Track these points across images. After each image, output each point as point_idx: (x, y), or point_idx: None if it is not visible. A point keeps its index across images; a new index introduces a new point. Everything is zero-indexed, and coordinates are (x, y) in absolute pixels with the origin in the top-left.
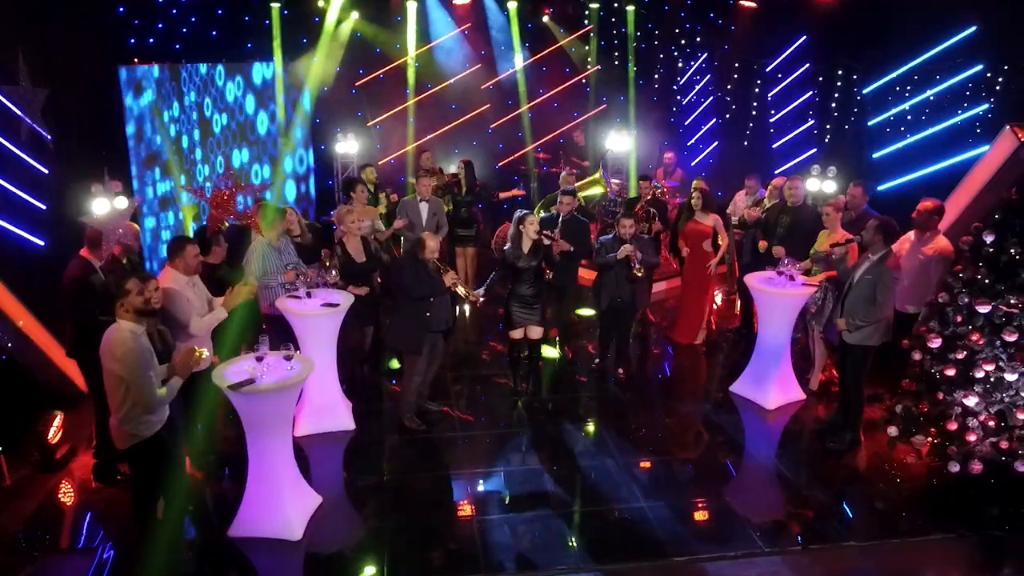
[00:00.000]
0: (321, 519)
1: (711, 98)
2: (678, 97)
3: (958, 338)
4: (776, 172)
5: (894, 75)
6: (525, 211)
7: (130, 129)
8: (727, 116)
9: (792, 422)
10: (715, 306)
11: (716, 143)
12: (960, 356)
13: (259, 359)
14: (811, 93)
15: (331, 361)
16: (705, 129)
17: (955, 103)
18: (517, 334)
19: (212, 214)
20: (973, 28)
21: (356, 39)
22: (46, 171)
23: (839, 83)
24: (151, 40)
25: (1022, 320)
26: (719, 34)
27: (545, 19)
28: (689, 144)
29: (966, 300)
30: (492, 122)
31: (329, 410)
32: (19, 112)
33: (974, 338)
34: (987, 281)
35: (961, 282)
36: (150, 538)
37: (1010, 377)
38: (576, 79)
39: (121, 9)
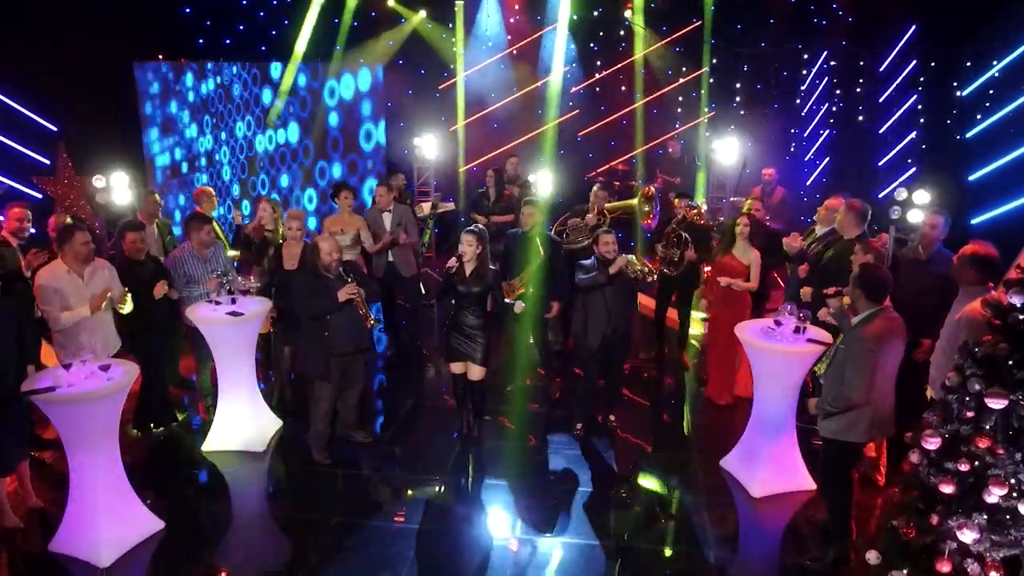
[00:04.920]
0: (151, 547)
1: (827, 105)
2: (797, 103)
3: (964, 441)
4: (880, 195)
5: (996, 69)
6: (477, 226)
7: (151, 132)
8: (838, 126)
9: (776, 520)
10: None
11: (828, 159)
12: (964, 468)
13: (66, 367)
14: (915, 97)
15: (246, 374)
16: (820, 142)
17: None
18: (457, 368)
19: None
20: None
21: (441, 40)
22: (48, 163)
23: (939, 82)
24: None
25: None
26: (838, 27)
27: (627, 14)
28: (806, 159)
29: (976, 388)
30: (582, 129)
31: (238, 427)
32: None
33: (982, 445)
34: (1010, 363)
35: (975, 361)
36: None
37: None
38: (680, 82)
39: (187, 10)
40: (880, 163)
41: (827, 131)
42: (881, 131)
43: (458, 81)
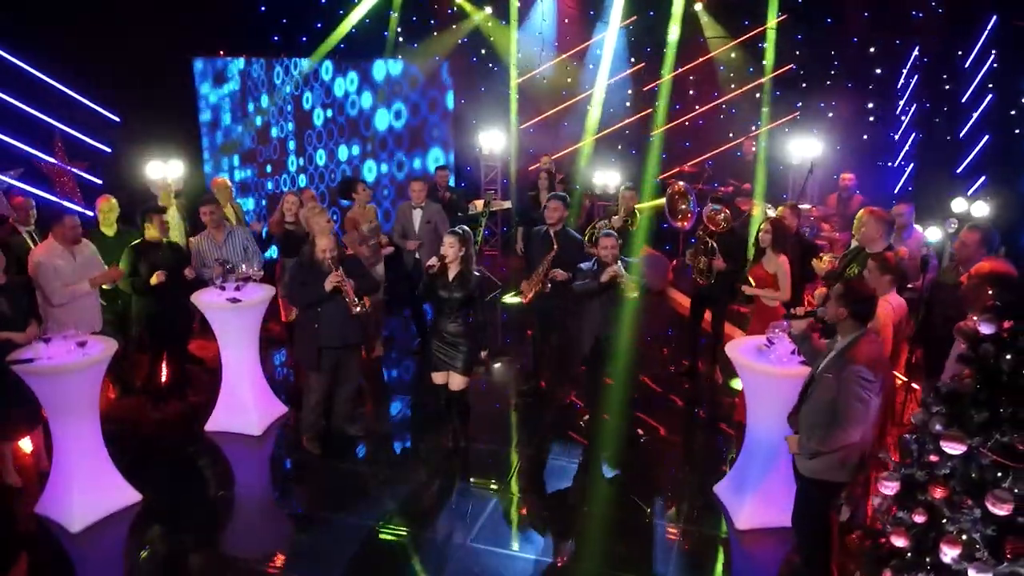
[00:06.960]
0: (125, 518)
1: (914, 106)
2: (874, 104)
3: (921, 489)
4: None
5: None
6: (462, 227)
7: (205, 117)
8: (925, 128)
9: (755, 557)
10: None
11: (912, 164)
12: (920, 519)
13: (46, 341)
14: (990, 97)
15: (248, 359)
16: (908, 146)
17: None
18: (439, 378)
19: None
20: None
21: (509, 38)
22: (109, 151)
23: (1011, 81)
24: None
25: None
26: (932, 19)
27: (698, 7)
28: (894, 165)
29: (938, 428)
30: (653, 128)
31: (237, 410)
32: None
33: (938, 494)
34: (974, 402)
35: (939, 398)
36: None
37: None
38: (758, 81)
39: (263, 8)
40: (957, 170)
41: (914, 134)
42: (961, 134)
43: (511, 80)
